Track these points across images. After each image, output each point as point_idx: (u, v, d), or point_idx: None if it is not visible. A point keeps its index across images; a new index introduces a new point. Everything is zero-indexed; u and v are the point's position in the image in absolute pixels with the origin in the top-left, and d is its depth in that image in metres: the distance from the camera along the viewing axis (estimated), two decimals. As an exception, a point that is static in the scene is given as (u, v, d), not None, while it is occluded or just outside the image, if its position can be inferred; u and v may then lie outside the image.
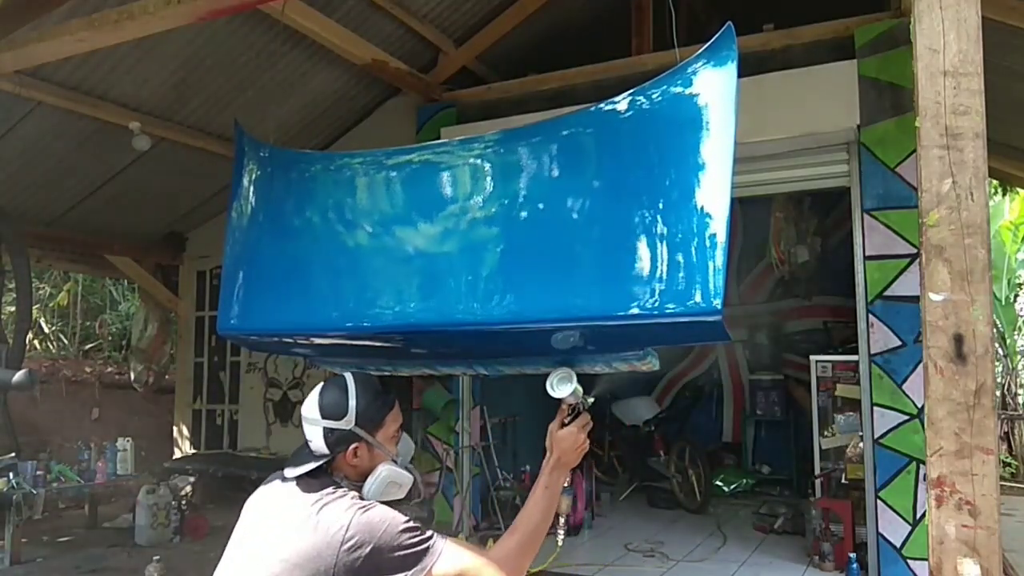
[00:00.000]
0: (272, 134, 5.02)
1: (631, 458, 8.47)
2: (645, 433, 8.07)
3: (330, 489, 1.71)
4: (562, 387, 1.87)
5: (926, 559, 1.62)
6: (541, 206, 2.01)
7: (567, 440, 1.87)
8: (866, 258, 5.15)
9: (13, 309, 7.30)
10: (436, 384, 6.65)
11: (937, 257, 1.62)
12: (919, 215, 1.67)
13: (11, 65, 4.85)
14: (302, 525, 1.64)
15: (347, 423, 1.75)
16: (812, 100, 5.27)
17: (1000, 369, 10.54)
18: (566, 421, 1.89)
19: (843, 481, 5.66)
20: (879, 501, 4.97)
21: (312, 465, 1.75)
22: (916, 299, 4.29)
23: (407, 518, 1.67)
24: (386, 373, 2.47)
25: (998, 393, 9.76)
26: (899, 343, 4.98)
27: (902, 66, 4.97)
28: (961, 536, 1.57)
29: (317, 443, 1.76)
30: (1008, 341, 10.71)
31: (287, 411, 8.04)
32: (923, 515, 4.75)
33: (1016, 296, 11.14)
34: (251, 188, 3.24)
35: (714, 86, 1.75)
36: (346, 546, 1.59)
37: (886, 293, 5.05)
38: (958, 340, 1.59)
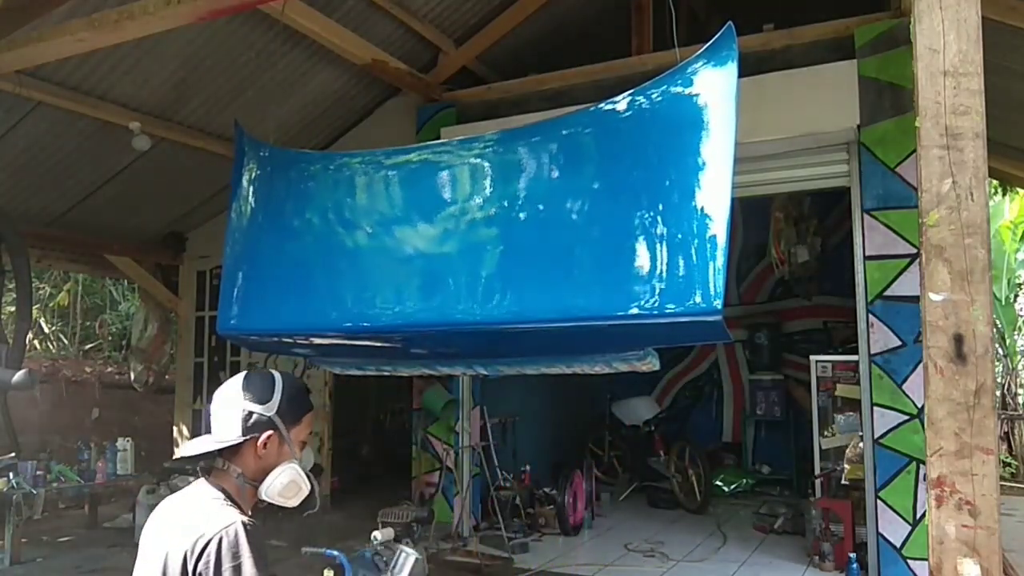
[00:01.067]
0: (272, 134, 5.02)
1: (631, 458, 8.47)
2: (645, 433, 8.07)
3: (222, 499, 1.69)
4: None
5: (926, 559, 1.62)
6: (541, 206, 2.01)
7: None
8: (866, 258, 5.15)
9: (13, 309, 7.30)
10: (436, 384, 6.64)
11: (937, 257, 1.62)
12: (919, 215, 1.67)
13: (11, 65, 4.85)
14: (183, 530, 1.62)
15: (269, 409, 1.73)
16: (812, 100, 5.27)
17: (1000, 369, 10.53)
18: None
19: (843, 481, 5.66)
20: (879, 501, 4.97)
21: (214, 445, 1.72)
22: (916, 299, 4.28)
23: None
24: (385, 373, 2.47)
25: (998, 393, 9.76)
26: (899, 343, 4.98)
27: (902, 66, 4.96)
28: (961, 536, 1.56)
29: (229, 426, 1.73)
30: (1008, 341, 10.70)
31: (287, 411, 8.03)
32: (923, 515, 4.75)
33: (1016, 296, 11.13)
34: (251, 188, 3.24)
35: (714, 86, 1.75)
36: (197, 555, 1.57)
37: (886, 293, 5.05)
38: (958, 340, 1.59)
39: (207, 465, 1.77)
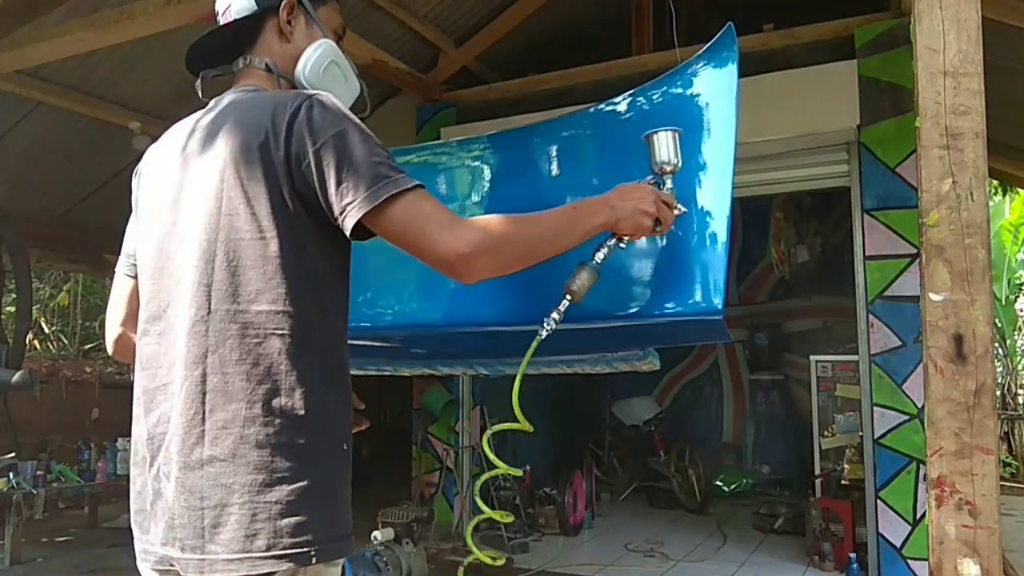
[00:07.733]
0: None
1: (631, 458, 8.47)
2: (645, 433, 8.07)
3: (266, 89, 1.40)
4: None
5: (926, 559, 1.62)
6: (541, 206, 2.01)
7: (635, 191, 1.43)
8: (866, 258, 5.15)
9: (13, 309, 7.30)
10: (436, 384, 6.64)
11: (937, 257, 1.62)
12: (919, 215, 1.67)
13: (11, 65, 4.86)
14: (237, 130, 1.32)
15: None
16: (812, 100, 5.27)
17: (1000, 369, 10.54)
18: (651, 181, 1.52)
19: (843, 481, 5.66)
20: (879, 501, 4.97)
21: (224, 34, 1.46)
22: (916, 299, 4.29)
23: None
24: (386, 373, 2.47)
25: (998, 393, 9.76)
26: (899, 343, 4.99)
27: (902, 66, 4.97)
28: (961, 536, 1.56)
29: (239, 5, 1.47)
30: (1008, 341, 10.71)
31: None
32: (923, 515, 4.75)
33: (1016, 296, 11.14)
34: (251, 188, 3.23)
35: (715, 86, 1.75)
36: (285, 134, 1.23)
37: (886, 293, 5.05)
38: (958, 340, 1.59)
39: (224, 73, 1.54)
